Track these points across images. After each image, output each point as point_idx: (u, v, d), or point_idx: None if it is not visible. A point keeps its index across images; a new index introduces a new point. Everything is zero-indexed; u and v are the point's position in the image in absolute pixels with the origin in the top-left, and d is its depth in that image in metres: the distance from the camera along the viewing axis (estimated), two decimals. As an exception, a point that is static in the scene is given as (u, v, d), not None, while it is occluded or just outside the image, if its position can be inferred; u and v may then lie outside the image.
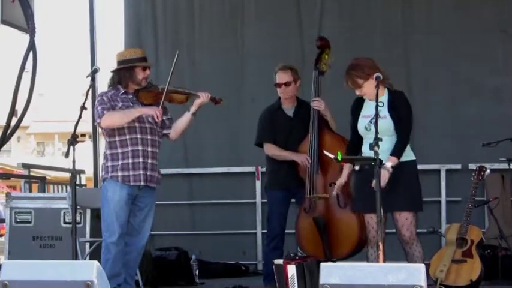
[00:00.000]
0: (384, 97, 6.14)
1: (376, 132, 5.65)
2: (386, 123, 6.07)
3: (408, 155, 6.19)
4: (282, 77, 7.26)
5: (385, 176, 5.92)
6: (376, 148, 5.57)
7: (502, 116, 9.39)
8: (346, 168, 6.43)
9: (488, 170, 7.42)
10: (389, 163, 5.97)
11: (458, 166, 9.40)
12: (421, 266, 4.09)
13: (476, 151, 8.66)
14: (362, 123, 6.20)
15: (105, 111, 6.37)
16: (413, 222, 6.13)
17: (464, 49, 9.59)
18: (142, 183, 6.44)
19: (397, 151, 6.08)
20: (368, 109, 6.16)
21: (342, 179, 6.51)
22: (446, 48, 9.59)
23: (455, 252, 7.03)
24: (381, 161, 5.58)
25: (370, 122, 6.08)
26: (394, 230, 6.26)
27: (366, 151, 6.07)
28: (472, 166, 8.25)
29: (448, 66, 9.58)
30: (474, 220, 7.34)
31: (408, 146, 6.19)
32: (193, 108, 6.55)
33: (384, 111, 6.08)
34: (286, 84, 7.23)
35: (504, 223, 8.39)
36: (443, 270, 6.91)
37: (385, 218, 6.12)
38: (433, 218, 8.98)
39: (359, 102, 6.31)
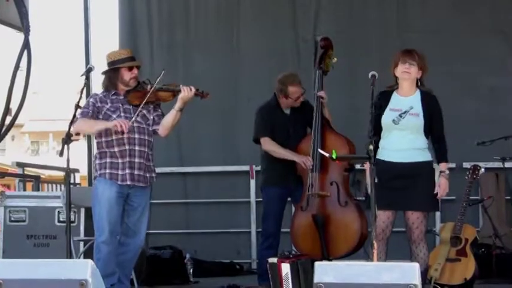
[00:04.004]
0: (415, 96, 6.20)
1: (373, 130, 5.69)
2: (419, 121, 6.11)
3: (426, 155, 6.22)
4: (299, 89, 7.23)
5: (446, 184, 6.10)
6: (370, 146, 5.58)
7: (497, 115, 9.41)
8: (367, 164, 6.32)
9: (483, 169, 7.43)
10: (446, 170, 6.12)
11: (453, 165, 9.34)
12: (415, 265, 4.08)
13: (471, 150, 8.66)
14: (390, 116, 6.15)
15: (79, 116, 6.36)
16: (423, 221, 6.16)
17: (459, 49, 9.61)
18: (128, 183, 6.42)
19: (445, 155, 6.21)
20: (398, 104, 6.17)
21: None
22: (441, 47, 9.59)
23: (449, 251, 7.04)
24: (376, 159, 5.60)
25: (400, 116, 6.10)
26: (399, 229, 6.27)
27: (386, 145, 6.08)
28: (467, 165, 8.26)
29: (443, 66, 9.56)
30: (468, 219, 7.35)
31: (427, 147, 6.23)
32: (177, 105, 6.45)
33: (418, 109, 6.13)
34: (303, 94, 7.25)
35: (498, 222, 8.40)
36: (437, 269, 6.93)
37: (394, 216, 6.14)
38: (427, 216, 8.98)
39: (386, 95, 6.26)
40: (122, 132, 6.27)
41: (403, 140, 6.11)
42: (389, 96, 6.25)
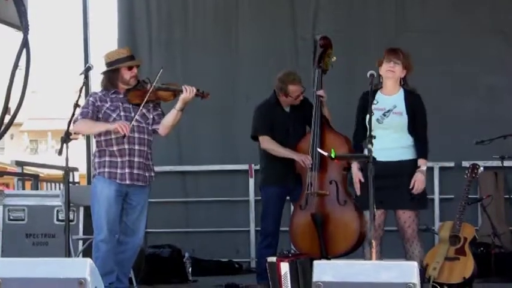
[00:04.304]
0: (399, 95, 6.23)
1: (370, 130, 5.69)
2: (402, 119, 6.15)
3: (411, 153, 6.23)
4: (299, 88, 7.22)
5: (422, 179, 6.10)
6: (370, 145, 5.59)
7: (496, 114, 9.42)
8: (355, 165, 6.36)
9: (482, 168, 7.44)
10: (424, 166, 6.13)
11: (452, 164, 9.42)
12: (414, 264, 4.09)
13: (470, 149, 8.67)
14: (374, 115, 6.16)
15: (79, 117, 6.38)
16: (415, 220, 6.19)
17: (458, 48, 9.62)
18: (127, 182, 6.42)
19: (424, 152, 6.20)
20: (382, 103, 6.18)
21: (356, 177, 6.32)
22: (440, 47, 9.61)
23: (448, 250, 7.03)
24: (374, 158, 5.60)
25: (384, 115, 6.12)
26: (392, 228, 6.28)
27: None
28: (465, 164, 8.26)
29: (443, 65, 9.59)
30: (467, 218, 7.34)
31: (412, 145, 6.24)
32: (178, 104, 6.48)
33: (401, 107, 6.16)
34: (303, 93, 7.25)
35: (497, 221, 8.41)
36: (436, 268, 6.91)
37: (385, 215, 6.15)
38: (426, 215, 8.92)
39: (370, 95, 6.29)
40: (124, 136, 6.28)
41: (387, 139, 6.11)
42: (373, 96, 6.27)
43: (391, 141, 6.10)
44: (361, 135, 6.23)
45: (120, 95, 6.52)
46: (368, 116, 5.83)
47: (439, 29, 9.65)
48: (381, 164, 5.95)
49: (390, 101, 6.19)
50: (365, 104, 6.17)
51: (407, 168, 6.15)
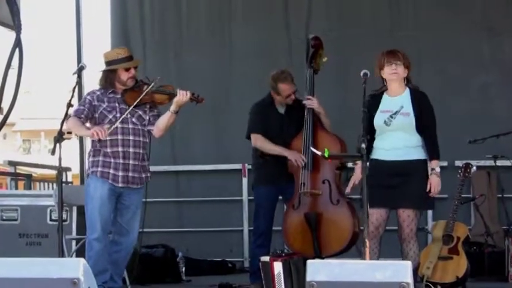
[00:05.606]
0: (405, 95, 6.22)
1: (364, 130, 5.69)
2: (409, 119, 6.14)
3: (420, 153, 6.22)
4: (290, 87, 7.20)
5: (437, 181, 6.10)
6: (363, 145, 5.59)
7: (488, 113, 9.43)
8: (359, 166, 6.33)
9: (475, 167, 7.45)
10: (437, 168, 6.13)
11: (445, 163, 9.36)
12: (407, 263, 4.09)
13: (463, 148, 8.67)
14: (381, 118, 6.18)
15: (72, 113, 6.38)
16: (414, 220, 6.17)
17: (451, 47, 9.62)
18: (120, 185, 6.42)
19: (435, 153, 6.20)
20: (388, 104, 6.18)
21: (356, 177, 6.31)
22: (433, 46, 9.62)
23: (441, 249, 7.05)
24: (368, 157, 5.61)
25: (391, 117, 6.11)
26: (392, 227, 6.28)
27: (380, 145, 6.10)
28: (458, 163, 8.25)
29: (435, 64, 9.60)
30: (460, 217, 7.36)
31: (420, 145, 6.24)
32: (172, 107, 6.48)
33: (408, 108, 6.16)
34: (295, 92, 7.23)
35: (490, 220, 8.42)
36: (429, 267, 6.93)
37: (387, 214, 6.15)
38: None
39: (376, 98, 6.28)
40: (99, 140, 6.27)
41: (396, 139, 6.12)
42: (379, 99, 6.27)
43: (399, 141, 6.10)
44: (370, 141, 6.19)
45: (118, 95, 6.52)
46: (362, 115, 5.83)
47: (432, 28, 9.66)
48: (389, 163, 5.98)
49: (397, 102, 6.18)
50: (370, 109, 6.15)
51: (413, 167, 6.14)
